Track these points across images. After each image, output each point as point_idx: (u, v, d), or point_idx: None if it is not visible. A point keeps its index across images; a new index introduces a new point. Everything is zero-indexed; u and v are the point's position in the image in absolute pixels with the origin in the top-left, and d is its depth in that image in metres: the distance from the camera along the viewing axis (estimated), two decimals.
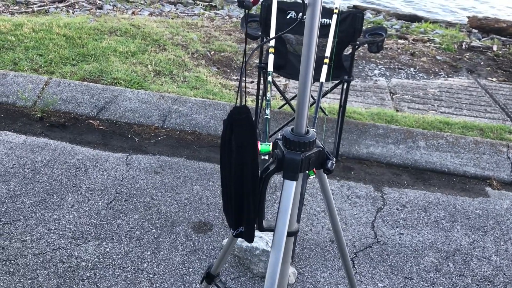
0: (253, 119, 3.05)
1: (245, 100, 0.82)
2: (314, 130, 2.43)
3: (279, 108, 3.35)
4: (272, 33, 2.60)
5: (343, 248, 1.18)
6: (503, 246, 2.31)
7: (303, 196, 1.95)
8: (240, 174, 0.93)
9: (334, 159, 0.90)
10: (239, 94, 0.83)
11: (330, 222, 1.09)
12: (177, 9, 6.81)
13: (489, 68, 5.31)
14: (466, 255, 2.23)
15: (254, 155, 0.92)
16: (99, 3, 6.45)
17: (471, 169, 2.89)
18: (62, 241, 2.11)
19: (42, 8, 5.92)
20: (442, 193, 2.70)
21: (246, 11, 0.81)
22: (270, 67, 2.58)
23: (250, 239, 1.00)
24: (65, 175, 2.57)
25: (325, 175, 0.99)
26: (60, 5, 6.24)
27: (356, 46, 2.69)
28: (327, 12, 2.70)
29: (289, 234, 1.00)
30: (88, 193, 2.45)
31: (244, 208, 0.94)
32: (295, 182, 0.94)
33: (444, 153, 2.99)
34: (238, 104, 0.85)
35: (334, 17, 2.59)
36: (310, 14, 0.87)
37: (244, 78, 0.82)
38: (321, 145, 0.96)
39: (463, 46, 5.91)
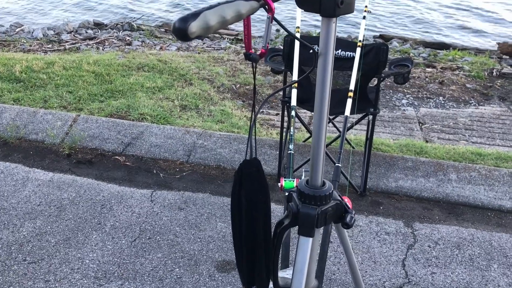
0: (279, 155, 3.02)
1: (255, 153, 0.77)
2: (340, 165, 2.37)
3: (304, 141, 3.31)
4: (295, 67, 2.59)
5: None
6: None
7: (325, 252, 1.87)
8: (252, 231, 0.87)
9: (354, 212, 0.84)
10: (248, 146, 0.79)
11: (352, 278, 1.03)
12: (204, 43, 6.92)
13: None
14: None
15: (266, 211, 0.85)
16: (128, 40, 6.62)
17: (507, 203, 2.76)
18: (85, 281, 2.10)
19: (73, 45, 6.12)
20: (477, 229, 2.58)
21: (255, 64, 0.79)
22: (294, 102, 2.56)
23: None
24: (90, 212, 2.58)
25: (344, 229, 0.92)
26: (91, 42, 6.44)
27: (381, 79, 2.65)
28: (350, 45, 2.67)
29: None
30: (112, 230, 2.44)
31: (256, 267, 0.88)
32: (311, 239, 0.88)
33: (477, 186, 2.88)
34: (247, 157, 0.80)
35: (358, 50, 2.56)
36: (322, 64, 0.84)
37: (254, 131, 0.79)
38: (339, 198, 0.89)
39: (494, 73, 5.77)
